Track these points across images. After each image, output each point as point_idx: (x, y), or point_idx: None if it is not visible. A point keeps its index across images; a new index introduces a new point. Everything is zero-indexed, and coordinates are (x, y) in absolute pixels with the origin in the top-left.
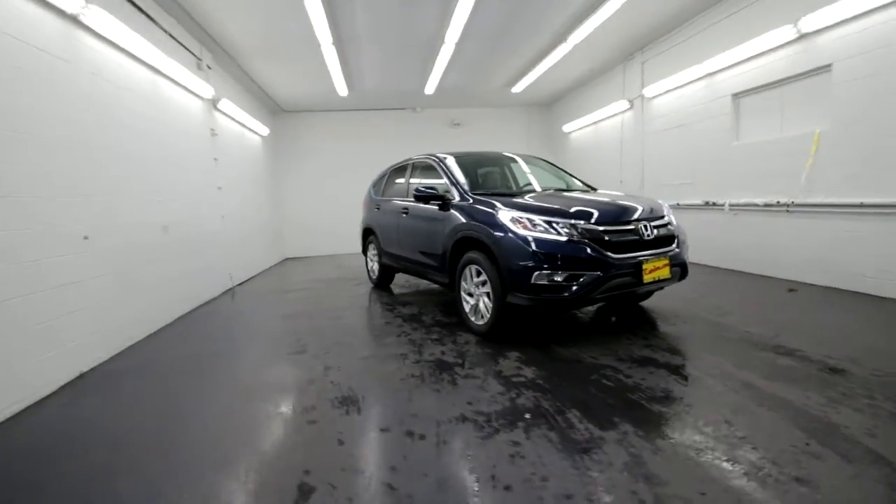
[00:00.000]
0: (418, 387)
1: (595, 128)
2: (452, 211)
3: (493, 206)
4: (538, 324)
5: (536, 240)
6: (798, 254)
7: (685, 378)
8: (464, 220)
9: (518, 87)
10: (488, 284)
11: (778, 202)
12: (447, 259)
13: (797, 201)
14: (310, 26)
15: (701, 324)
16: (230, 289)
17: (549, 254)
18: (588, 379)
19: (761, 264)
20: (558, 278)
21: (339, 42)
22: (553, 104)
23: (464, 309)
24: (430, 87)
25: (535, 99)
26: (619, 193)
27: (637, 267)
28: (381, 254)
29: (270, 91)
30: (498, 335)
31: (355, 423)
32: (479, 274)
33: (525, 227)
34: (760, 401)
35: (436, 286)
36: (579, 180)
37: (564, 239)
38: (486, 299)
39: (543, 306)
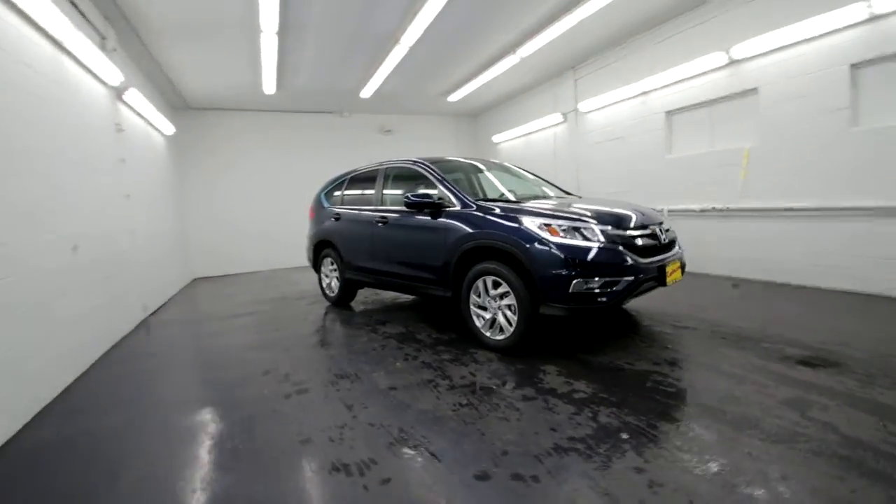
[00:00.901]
0: (480, 418)
1: (526, 139)
2: (452, 220)
3: (513, 214)
4: (546, 334)
5: (571, 247)
6: (734, 253)
7: (730, 376)
8: (471, 230)
9: (455, 96)
10: (509, 297)
11: (713, 207)
12: (450, 271)
13: (732, 206)
14: (254, 7)
15: (690, 321)
16: (144, 320)
17: (585, 261)
18: (644, 387)
19: (700, 263)
20: (595, 286)
21: (283, 30)
22: (480, 115)
23: (475, 324)
24: (368, 91)
25: (464, 109)
26: (605, 199)
27: (661, 270)
28: (343, 269)
29: (179, 83)
30: (521, 350)
31: (445, 478)
32: (496, 286)
33: (556, 235)
34: (807, 388)
35: (404, 298)
36: (556, 186)
37: (597, 245)
38: (508, 313)
39: (579, 315)
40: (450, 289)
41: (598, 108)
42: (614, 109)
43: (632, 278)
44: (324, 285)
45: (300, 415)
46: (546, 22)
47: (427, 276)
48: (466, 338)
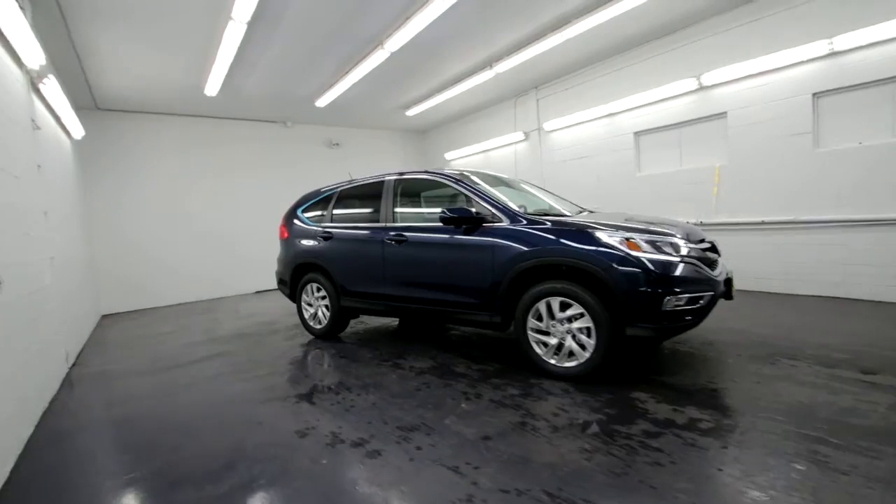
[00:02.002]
0: (629, 466)
1: (485, 156)
2: (499, 237)
3: (583, 229)
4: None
5: (660, 262)
6: None
7: (815, 386)
8: (526, 248)
9: (415, 111)
10: (583, 319)
11: (688, 222)
12: (500, 294)
13: (706, 221)
14: None
15: (722, 333)
16: (67, 375)
17: (674, 276)
18: (759, 406)
19: None
20: (682, 302)
21: (255, 20)
22: (429, 132)
23: (535, 351)
24: (327, 99)
25: (413, 125)
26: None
27: (728, 283)
28: (338, 295)
29: (95, 77)
30: (595, 377)
31: None
32: (564, 307)
33: (638, 250)
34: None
35: (381, 323)
36: (569, 202)
37: (680, 259)
38: (583, 337)
39: (666, 335)
40: (498, 313)
41: (565, 128)
42: (581, 129)
43: (712, 293)
44: (306, 315)
45: (399, 490)
46: (529, 40)
47: (467, 301)
48: (516, 366)
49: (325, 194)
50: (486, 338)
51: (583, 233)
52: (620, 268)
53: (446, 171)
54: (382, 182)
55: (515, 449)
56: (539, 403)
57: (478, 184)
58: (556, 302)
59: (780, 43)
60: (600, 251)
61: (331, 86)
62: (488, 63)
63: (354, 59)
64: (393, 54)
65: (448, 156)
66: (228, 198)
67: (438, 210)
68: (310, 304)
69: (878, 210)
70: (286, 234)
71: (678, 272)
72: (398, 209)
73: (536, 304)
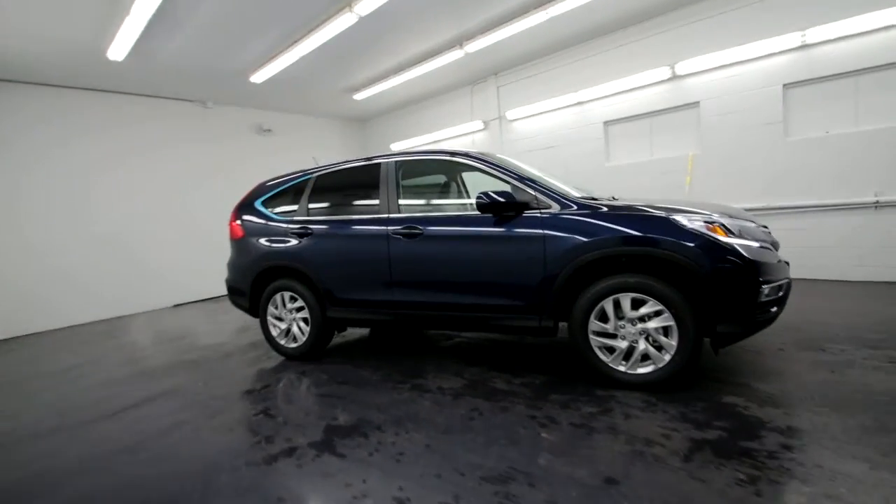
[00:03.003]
0: (854, 494)
1: (438, 146)
2: (550, 228)
3: (657, 214)
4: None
5: (749, 248)
6: None
7: (882, 368)
8: (587, 239)
9: (363, 94)
10: (660, 317)
11: None
12: (555, 293)
13: None
14: None
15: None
16: None
17: (766, 263)
18: (881, 401)
19: None
20: (773, 292)
21: None
22: (370, 121)
23: (600, 358)
24: (265, 74)
25: (355, 113)
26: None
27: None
28: (323, 305)
29: None
30: (676, 383)
31: None
32: (636, 305)
33: (725, 235)
34: None
35: (355, 335)
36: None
37: (760, 245)
38: (662, 338)
39: (755, 330)
40: (550, 316)
41: (529, 116)
42: (548, 118)
43: (788, 280)
44: (275, 333)
45: None
46: (506, 18)
47: (509, 304)
48: (564, 376)
49: (295, 182)
50: (497, 343)
51: (658, 218)
52: (712, 256)
53: (465, 150)
54: (378, 165)
55: (663, 493)
56: (633, 422)
57: (508, 162)
58: (626, 299)
59: (753, 34)
60: (686, 238)
61: (274, 57)
62: (458, 42)
63: (312, 24)
64: (361, 20)
65: (395, 147)
66: (134, 192)
67: (453, 197)
68: (279, 319)
69: (845, 195)
70: (240, 233)
71: (767, 259)
72: (405, 197)
73: (601, 303)
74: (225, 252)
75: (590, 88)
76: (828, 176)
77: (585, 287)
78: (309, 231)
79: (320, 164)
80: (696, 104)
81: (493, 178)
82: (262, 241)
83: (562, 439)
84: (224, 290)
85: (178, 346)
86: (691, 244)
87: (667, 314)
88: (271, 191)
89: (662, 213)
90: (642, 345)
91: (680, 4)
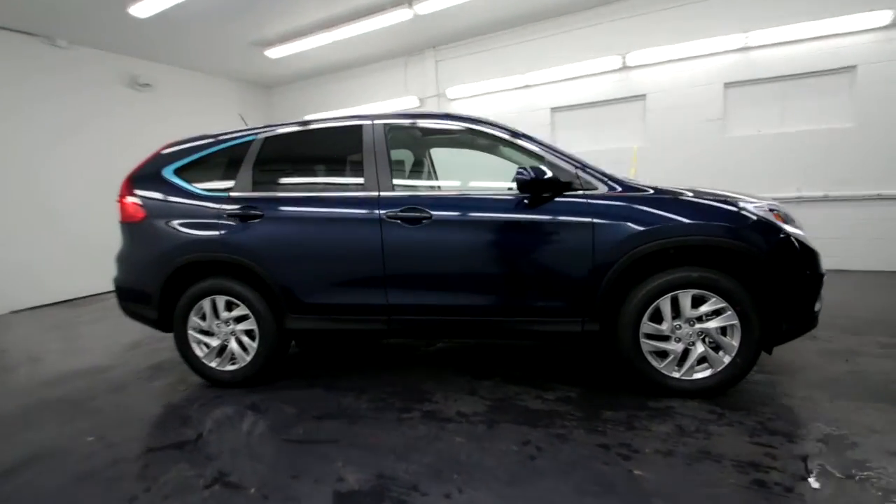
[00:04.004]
0: None
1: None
2: (597, 213)
3: (718, 198)
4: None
5: (807, 239)
6: None
7: None
8: (642, 228)
9: (278, 51)
10: (722, 316)
11: None
12: (604, 291)
13: None
14: None
15: None
16: None
17: (819, 255)
18: None
19: None
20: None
21: None
22: (278, 88)
23: (651, 364)
24: (152, 6)
25: (260, 76)
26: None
27: None
28: (279, 312)
29: None
30: (724, 388)
31: None
32: (697, 302)
33: (786, 224)
34: None
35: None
36: None
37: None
38: (723, 338)
39: (809, 329)
40: (596, 318)
41: (472, 96)
42: (492, 99)
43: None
44: (201, 352)
45: None
46: None
47: (545, 305)
48: (604, 386)
49: (229, 144)
50: (485, 347)
51: (723, 205)
52: (781, 247)
53: (474, 116)
54: (359, 128)
55: None
56: (720, 442)
57: (529, 135)
58: (687, 296)
59: (701, 32)
60: (756, 227)
61: None
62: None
63: None
64: None
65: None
66: None
67: (464, 173)
68: (207, 333)
69: (773, 190)
70: (140, 214)
71: (817, 248)
72: (398, 173)
73: (657, 301)
74: (88, 238)
75: (538, 72)
76: (759, 171)
77: (634, 283)
78: (257, 213)
79: (251, 126)
80: (643, 97)
81: (517, 152)
82: (178, 225)
83: (661, 475)
84: (92, 289)
85: (31, 375)
86: (761, 234)
87: (730, 312)
88: (190, 155)
89: (727, 200)
90: (700, 347)
91: None
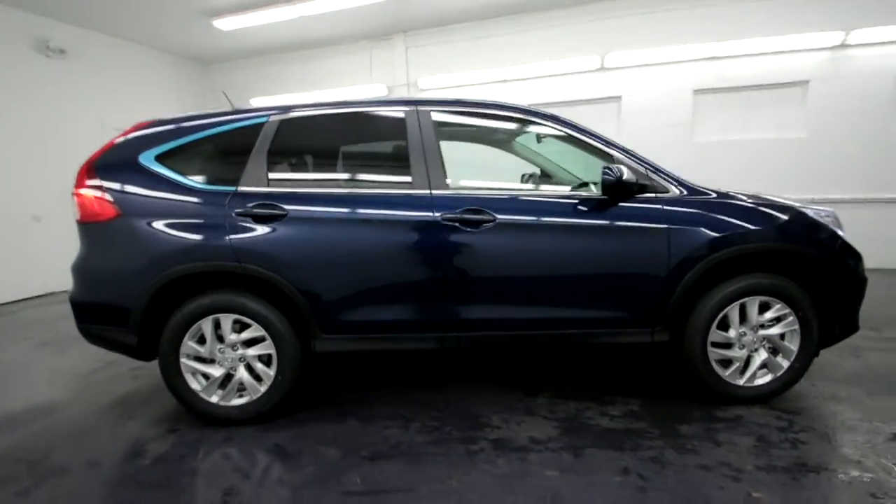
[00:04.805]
0: None
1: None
2: (674, 218)
3: (782, 204)
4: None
5: (852, 244)
6: None
7: None
8: (718, 234)
9: (228, 23)
10: (785, 321)
11: None
12: (677, 299)
13: None
14: None
15: None
16: None
17: (862, 259)
18: None
19: None
20: None
21: None
22: (218, 65)
23: (717, 373)
24: None
25: (199, 51)
26: None
27: None
28: (309, 333)
29: None
30: (779, 393)
31: None
32: (763, 309)
33: (839, 230)
34: None
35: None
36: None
37: None
38: (785, 343)
39: (853, 332)
40: (666, 327)
41: (445, 88)
42: (466, 93)
43: None
44: (198, 385)
45: None
46: None
47: (613, 316)
48: (659, 395)
49: (231, 125)
50: (499, 355)
51: (792, 211)
52: (839, 252)
53: (545, 111)
54: (401, 115)
55: None
56: (815, 452)
57: (595, 132)
58: (754, 303)
59: (674, 38)
60: (820, 233)
61: None
62: None
63: None
64: None
65: (257, 103)
66: None
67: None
68: (206, 360)
69: None
70: (111, 212)
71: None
72: (454, 169)
73: (724, 309)
74: None
75: (517, 67)
76: (723, 176)
77: (703, 291)
78: (279, 212)
79: (238, 108)
80: (618, 98)
81: (584, 149)
82: (166, 226)
83: (779, 495)
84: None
85: None
86: (825, 240)
87: (791, 318)
88: (175, 139)
89: (793, 206)
90: (763, 353)
91: None
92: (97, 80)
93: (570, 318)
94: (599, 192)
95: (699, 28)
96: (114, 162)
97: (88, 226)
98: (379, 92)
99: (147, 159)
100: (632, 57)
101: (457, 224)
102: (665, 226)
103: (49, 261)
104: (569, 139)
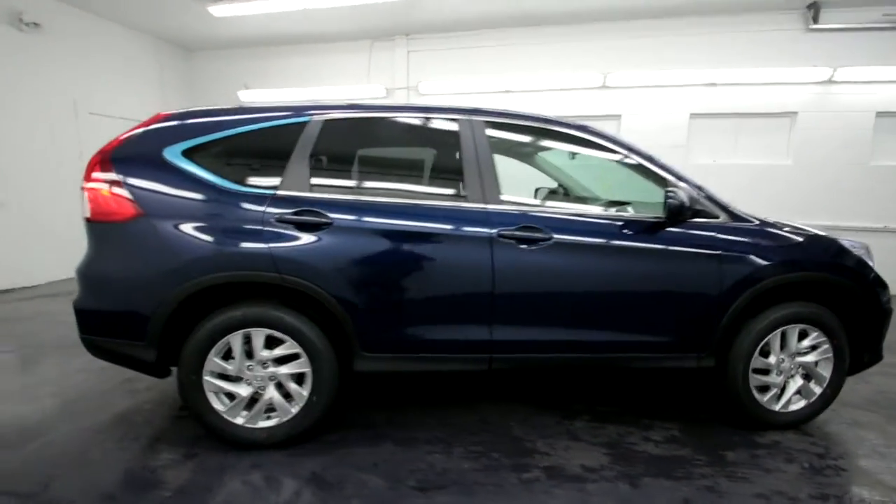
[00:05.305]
0: None
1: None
2: (726, 245)
3: (816, 233)
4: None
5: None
6: None
7: None
8: (766, 262)
9: (224, 9)
10: (820, 349)
11: None
12: (723, 325)
13: None
14: None
15: None
16: None
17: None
18: None
19: None
20: None
21: None
22: (204, 53)
23: (755, 398)
24: None
25: (186, 36)
26: None
27: None
28: (350, 350)
29: None
30: (810, 419)
31: None
32: (802, 337)
33: (868, 259)
34: None
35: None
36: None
37: None
38: (818, 370)
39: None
40: (712, 353)
41: (446, 94)
42: (468, 101)
43: None
44: (219, 407)
45: None
46: None
47: (658, 341)
48: (695, 419)
49: (271, 123)
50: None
51: (831, 242)
52: (870, 282)
53: (595, 127)
54: (455, 124)
55: None
56: (857, 479)
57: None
58: (795, 331)
59: (674, 63)
60: (855, 264)
61: None
62: None
63: None
64: None
65: (245, 96)
66: None
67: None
68: (232, 379)
69: None
70: (131, 211)
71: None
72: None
73: (769, 336)
74: None
75: (521, 79)
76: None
77: (748, 318)
78: (324, 221)
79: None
80: (618, 116)
81: (637, 172)
82: (197, 230)
83: None
84: None
85: None
86: (860, 271)
87: (826, 346)
88: (205, 134)
89: (832, 237)
90: (799, 380)
91: (618, 17)
92: (73, 60)
93: (619, 342)
94: (663, 214)
95: (699, 54)
96: (133, 155)
97: (101, 225)
98: (376, 93)
99: (173, 154)
100: (633, 77)
101: (513, 241)
102: (718, 252)
103: (13, 253)
104: (631, 165)
